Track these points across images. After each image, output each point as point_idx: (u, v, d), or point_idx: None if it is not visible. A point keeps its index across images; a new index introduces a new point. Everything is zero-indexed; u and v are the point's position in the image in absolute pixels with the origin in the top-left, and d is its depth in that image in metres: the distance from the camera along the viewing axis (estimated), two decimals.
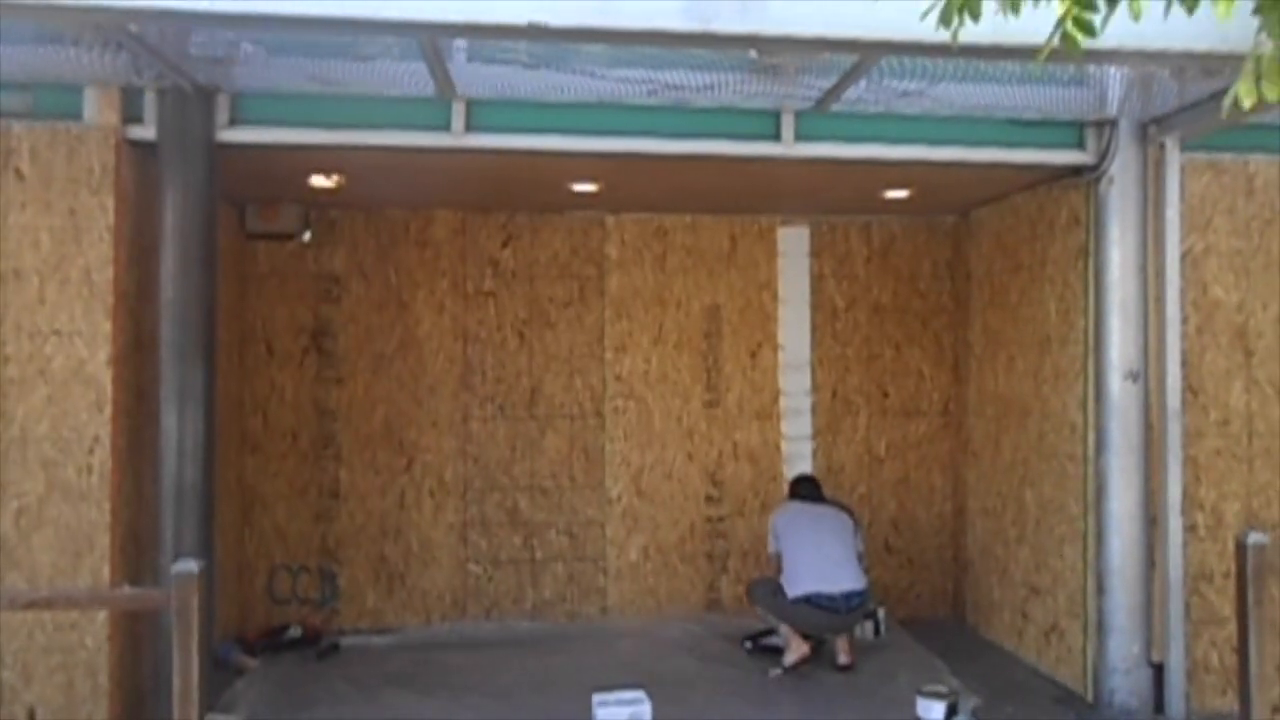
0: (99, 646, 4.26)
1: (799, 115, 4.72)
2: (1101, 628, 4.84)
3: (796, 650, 5.37)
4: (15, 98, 4.30)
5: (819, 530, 5.46)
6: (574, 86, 4.36)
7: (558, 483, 6.48)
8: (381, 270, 6.38)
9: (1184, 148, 4.76)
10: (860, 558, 5.57)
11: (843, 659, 5.43)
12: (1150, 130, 4.77)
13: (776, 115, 4.72)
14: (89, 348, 4.31)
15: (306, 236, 6.31)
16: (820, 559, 5.35)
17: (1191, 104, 4.46)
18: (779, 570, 5.50)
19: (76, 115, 4.35)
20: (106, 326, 4.32)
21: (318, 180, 5.45)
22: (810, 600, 5.29)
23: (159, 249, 4.39)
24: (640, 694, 4.40)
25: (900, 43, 3.33)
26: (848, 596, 5.31)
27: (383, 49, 4.11)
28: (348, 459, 6.32)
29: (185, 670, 2.38)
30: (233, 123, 4.48)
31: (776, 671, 5.36)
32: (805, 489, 5.81)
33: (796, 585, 5.34)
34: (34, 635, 4.23)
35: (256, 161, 4.89)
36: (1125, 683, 4.77)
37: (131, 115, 4.41)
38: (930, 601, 6.70)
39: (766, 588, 5.52)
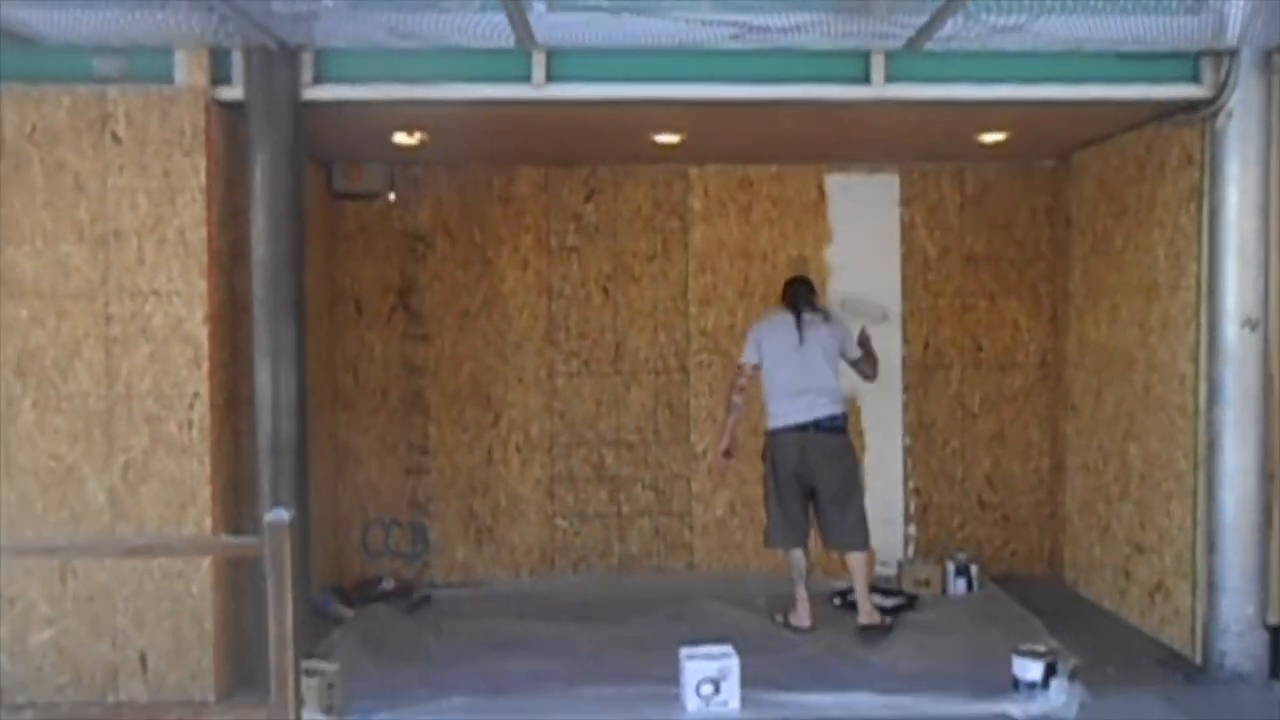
0: (204, 594, 4.42)
1: (889, 56, 4.51)
2: (1212, 587, 4.62)
3: (801, 616, 5.40)
4: (110, 62, 4.39)
5: (802, 358, 5.38)
6: (656, 32, 4.24)
7: (643, 438, 6.46)
8: (466, 228, 6.40)
9: None
10: (858, 363, 5.57)
11: (862, 619, 5.34)
12: (1275, 59, 4.43)
13: (866, 56, 4.53)
14: (186, 306, 4.42)
15: (391, 196, 6.36)
16: (800, 389, 5.36)
17: None
18: (739, 386, 5.49)
19: (168, 78, 4.42)
20: (202, 285, 4.42)
21: (400, 138, 5.47)
22: (786, 430, 5.40)
23: (249, 208, 4.46)
24: (728, 648, 4.37)
25: None
26: (818, 423, 5.35)
27: (462, 1, 4.07)
28: (436, 415, 6.41)
29: (280, 616, 2.43)
30: (317, 80, 4.50)
31: (779, 619, 5.46)
32: (797, 300, 5.49)
33: (776, 418, 5.44)
34: (143, 583, 4.41)
35: (341, 119, 4.91)
36: (1238, 645, 4.56)
37: (220, 76, 4.46)
38: (1026, 559, 6.51)
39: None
